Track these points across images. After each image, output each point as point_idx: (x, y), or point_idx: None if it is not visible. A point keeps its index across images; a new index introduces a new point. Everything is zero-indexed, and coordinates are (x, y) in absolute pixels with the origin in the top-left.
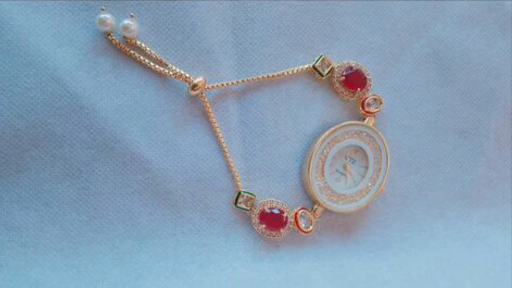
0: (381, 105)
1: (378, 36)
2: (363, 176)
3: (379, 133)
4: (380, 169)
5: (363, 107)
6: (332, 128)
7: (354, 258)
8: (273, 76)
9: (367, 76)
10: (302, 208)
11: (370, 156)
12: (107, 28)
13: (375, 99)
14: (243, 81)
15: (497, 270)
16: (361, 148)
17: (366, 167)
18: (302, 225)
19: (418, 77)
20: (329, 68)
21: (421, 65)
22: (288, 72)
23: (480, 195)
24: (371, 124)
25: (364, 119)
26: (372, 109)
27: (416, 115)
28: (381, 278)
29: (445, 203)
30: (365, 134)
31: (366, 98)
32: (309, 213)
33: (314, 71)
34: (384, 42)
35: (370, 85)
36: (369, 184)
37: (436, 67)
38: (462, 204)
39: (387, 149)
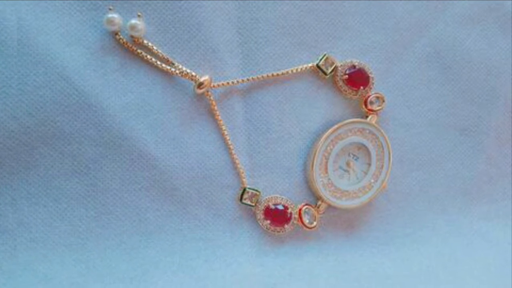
0: (384, 103)
1: (380, 35)
2: (365, 173)
3: (382, 130)
4: (382, 166)
5: (366, 105)
6: (336, 126)
7: (357, 253)
8: (277, 74)
9: (370, 75)
10: (306, 204)
11: (373, 153)
12: (115, 28)
13: (377, 97)
14: (248, 79)
15: (497, 265)
16: (364, 145)
17: (369, 164)
18: (306, 221)
19: (420, 76)
20: (332, 67)
21: (422, 64)
22: (292, 71)
23: (480, 192)
24: (373, 122)
25: (366, 117)
26: (374, 107)
27: (418, 113)
28: (384, 273)
29: (447, 199)
30: (367, 131)
31: (368, 96)
32: (313, 209)
33: (318, 69)
34: (387, 41)
35: (373, 83)
36: (372, 180)
37: (438, 66)
38: (463, 201)
39: (390, 146)
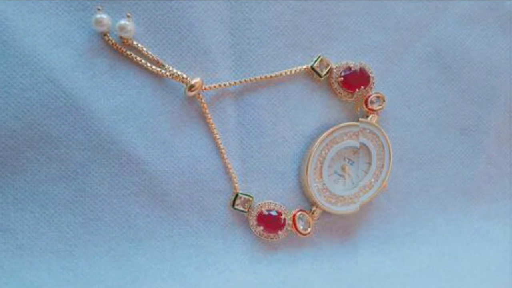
0: (384, 102)
1: (380, 35)
2: (366, 172)
3: (382, 130)
4: (383, 165)
5: (366, 105)
6: (331, 129)
7: (353, 260)
8: (271, 76)
9: (370, 75)
10: (300, 210)
11: (373, 152)
12: (104, 29)
13: (378, 97)
14: (240, 81)
15: (497, 265)
16: (364, 144)
17: (370, 164)
18: (300, 227)
19: (420, 76)
20: (327, 69)
21: (423, 63)
22: (286, 73)
23: (480, 191)
24: (374, 122)
25: (367, 116)
26: (375, 106)
27: (418, 113)
28: (384, 272)
29: (447, 198)
30: (368, 131)
31: (369, 96)
32: (307, 215)
33: (312, 71)
34: (387, 41)
35: (373, 83)
36: (372, 180)
37: (438, 66)
38: (463, 200)
39: (390, 146)
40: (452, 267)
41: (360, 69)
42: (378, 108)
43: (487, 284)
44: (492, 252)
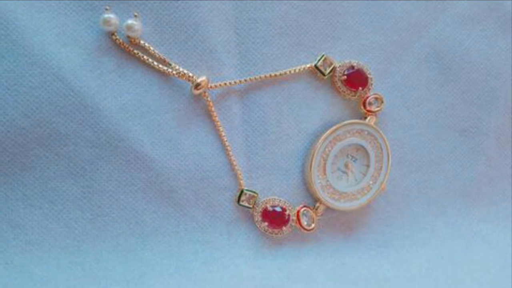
0: (383, 104)
1: (379, 35)
2: (364, 174)
3: (381, 131)
4: (381, 167)
5: (364, 106)
6: (334, 127)
7: (356, 256)
8: (275, 75)
9: (368, 75)
10: (304, 206)
11: (372, 154)
12: (111, 28)
13: (376, 98)
14: (245, 80)
15: (497, 268)
16: (362, 146)
17: (368, 166)
18: (304, 223)
19: (419, 77)
20: (331, 68)
21: (422, 64)
22: (290, 72)
23: (480, 193)
24: (372, 123)
25: (365, 118)
26: (373, 108)
27: (417, 114)
28: (382, 276)
29: (446, 201)
30: (366, 133)
31: (367, 97)
32: (311, 211)
33: (316, 70)
34: (386, 41)
35: (372, 84)
36: (371, 182)
37: (437, 67)
38: (463, 202)
39: (388, 147)
40: (452, 271)
41: (358, 69)
42: (376, 109)
43: (487, 287)
44: (491, 256)
